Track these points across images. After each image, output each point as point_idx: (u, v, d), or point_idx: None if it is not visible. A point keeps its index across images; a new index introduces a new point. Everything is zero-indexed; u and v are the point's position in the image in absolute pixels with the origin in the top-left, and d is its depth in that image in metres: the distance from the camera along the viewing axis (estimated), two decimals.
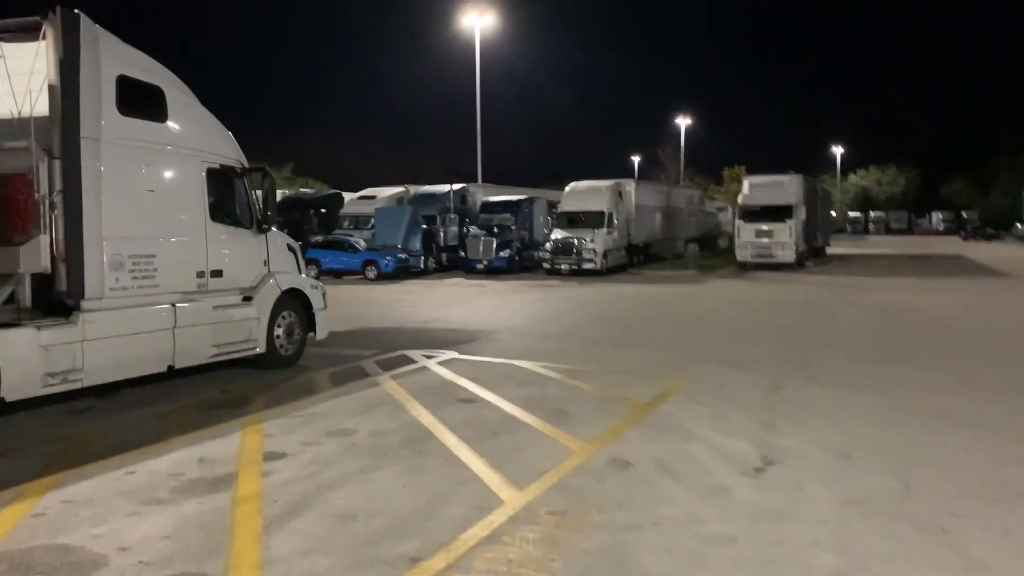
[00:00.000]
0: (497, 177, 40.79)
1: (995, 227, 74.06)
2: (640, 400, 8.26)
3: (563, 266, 28.55)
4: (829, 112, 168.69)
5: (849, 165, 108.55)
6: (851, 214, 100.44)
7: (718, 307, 17.90)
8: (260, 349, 9.67)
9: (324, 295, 10.89)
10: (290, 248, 10.62)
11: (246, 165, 9.85)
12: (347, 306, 18.94)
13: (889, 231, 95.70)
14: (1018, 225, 69.73)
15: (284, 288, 10.04)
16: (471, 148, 44.18)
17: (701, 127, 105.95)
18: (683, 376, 9.59)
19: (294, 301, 10.32)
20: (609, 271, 28.87)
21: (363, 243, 28.82)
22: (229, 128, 9.70)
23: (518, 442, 6.60)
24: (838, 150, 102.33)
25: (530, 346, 12.11)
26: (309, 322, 10.60)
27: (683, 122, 68.39)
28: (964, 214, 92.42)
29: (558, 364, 10.34)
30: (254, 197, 9.88)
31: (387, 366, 10.31)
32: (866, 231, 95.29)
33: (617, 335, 13.51)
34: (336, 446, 6.52)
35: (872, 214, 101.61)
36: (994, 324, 14.60)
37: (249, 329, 9.47)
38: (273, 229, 10.27)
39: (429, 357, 11.00)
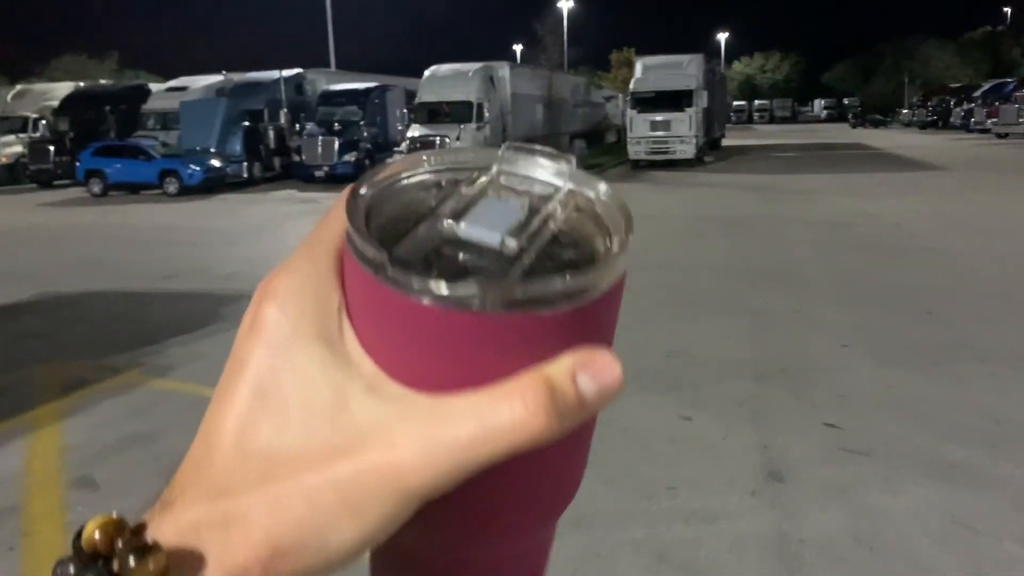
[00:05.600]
0: (358, 66, 34.03)
1: (878, 114, 72.57)
2: None
3: None
4: None
5: (733, 53, 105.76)
6: (735, 103, 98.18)
7: None
8: None
9: None
10: None
11: None
12: (71, 245, 12.90)
13: (773, 120, 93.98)
14: (903, 111, 68.36)
15: None
16: (327, 33, 36.96)
17: (584, 10, 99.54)
18: None
19: None
20: None
21: (160, 147, 22.21)
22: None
23: None
24: (723, 36, 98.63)
25: None
26: None
27: (567, 3, 62.12)
28: (846, 101, 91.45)
29: None
30: None
31: None
32: (750, 120, 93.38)
33: None
34: None
35: (756, 102, 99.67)
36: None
37: None
38: None
39: (68, 392, 5.51)
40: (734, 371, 5.60)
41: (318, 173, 23.38)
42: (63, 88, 30.39)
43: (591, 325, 0.29)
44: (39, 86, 32.48)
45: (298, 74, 27.11)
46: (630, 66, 33.58)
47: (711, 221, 13.42)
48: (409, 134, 23.37)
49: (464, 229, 0.30)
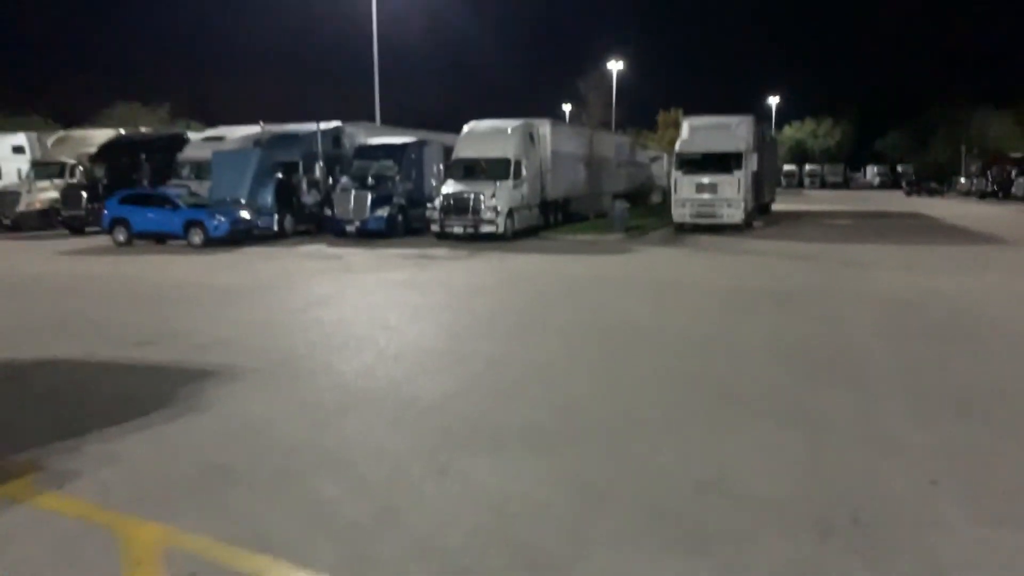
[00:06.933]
0: (404, 121, 33.29)
1: (933, 182, 70.19)
2: None
3: (456, 228, 21.98)
4: (765, 62, 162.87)
5: (784, 117, 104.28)
6: (786, 167, 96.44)
7: (653, 304, 11.65)
8: None
9: None
10: None
11: None
12: (63, 299, 12.01)
13: (824, 185, 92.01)
14: (961, 180, 65.98)
15: None
16: (374, 87, 36.79)
17: (632, 71, 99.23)
18: None
19: None
20: (516, 235, 22.47)
21: (186, 197, 21.64)
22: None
23: None
24: (774, 101, 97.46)
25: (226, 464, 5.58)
26: None
27: (615, 65, 61.44)
28: (899, 168, 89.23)
29: None
30: None
31: None
32: (801, 185, 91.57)
33: (469, 386, 7.10)
34: None
35: (807, 167, 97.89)
36: None
37: None
38: None
39: None
40: (787, 518, 4.22)
41: (349, 228, 22.55)
42: (102, 135, 30.36)
43: None
44: (79, 132, 32.50)
45: (336, 127, 26.59)
46: (677, 127, 32.43)
47: (758, 294, 12.03)
48: (444, 190, 22.48)
49: None
